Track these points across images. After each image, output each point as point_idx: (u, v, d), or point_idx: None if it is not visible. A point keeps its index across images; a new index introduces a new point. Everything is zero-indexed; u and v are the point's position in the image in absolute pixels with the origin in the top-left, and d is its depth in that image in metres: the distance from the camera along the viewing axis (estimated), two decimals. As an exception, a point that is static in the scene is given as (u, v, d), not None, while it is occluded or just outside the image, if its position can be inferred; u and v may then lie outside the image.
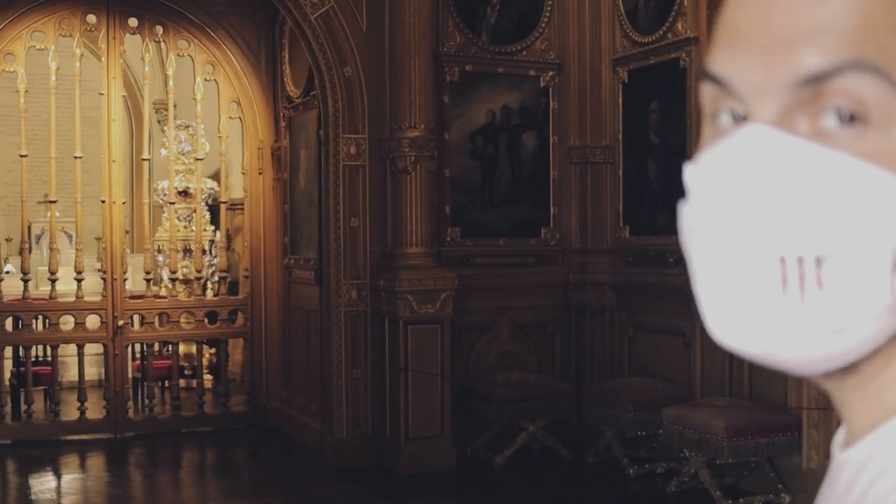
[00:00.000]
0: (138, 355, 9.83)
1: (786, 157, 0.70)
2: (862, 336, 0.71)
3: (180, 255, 10.72)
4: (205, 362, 10.23)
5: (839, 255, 0.69)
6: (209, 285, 10.21)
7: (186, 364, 10.45)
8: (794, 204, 0.69)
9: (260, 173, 9.40)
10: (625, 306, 8.04)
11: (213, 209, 10.74)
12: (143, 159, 9.35)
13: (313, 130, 8.37)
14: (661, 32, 7.58)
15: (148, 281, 9.28)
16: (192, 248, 10.90)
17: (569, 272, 8.22)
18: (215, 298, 9.44)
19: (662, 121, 7.67)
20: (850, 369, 0.75)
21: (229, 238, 11.12)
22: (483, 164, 8.01)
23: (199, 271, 9.47)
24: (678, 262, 7.42)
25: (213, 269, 10.68)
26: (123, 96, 9.06)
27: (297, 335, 8.88)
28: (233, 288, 10.30)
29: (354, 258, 7.67)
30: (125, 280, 8.97)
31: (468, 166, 7.96)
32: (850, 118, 0.68)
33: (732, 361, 6.95)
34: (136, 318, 9.06)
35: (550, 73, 8.20)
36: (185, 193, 10.85)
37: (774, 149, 0.70)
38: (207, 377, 10.00)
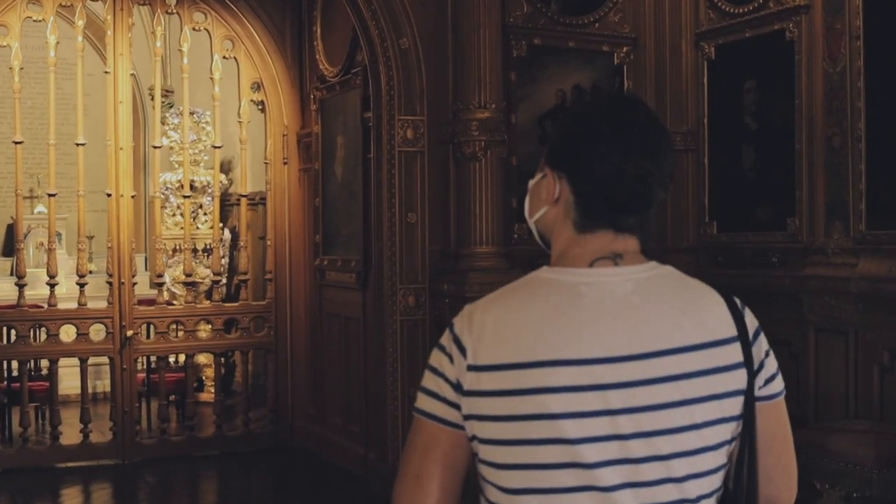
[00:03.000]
0: (142, 366, 8.73)
1: None
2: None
3: (180, 255, 9.67)
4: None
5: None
6: (216, 290, 9.11)
7: (206, 378, 9.41)
8: None
9: (285, 163, 8.36)
10: (713, 313, 7.06)
11: (222, 204, 9.67)
12: (155, 147, 8.23)
13: (354, 113, 7.35)
14: (760, 2, 6.62)
15: (159, 285, 8.20)
16: (198, 247, 9.87)
17: (646, 273, 7.23)
18: (235, 304, 8.38)
19: (761, 102, 6.71)
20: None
21: (236, 235, 10.09)
22: (552, 152, 7.00)
23: (217, 274, 8.39)
24: (784, 262, 6.47)
25: (223, 270, 9.61)
26: (133, 75, 7.96)
27: (332, 346, 7.85)
28: (235, 293, 9.31)
29: (411, 259, 6.66)
30: (134, 284, 7.89)
31: (537, 154, 6.89)
32: None
33: (857, 375, 6.01)
34: (145, 327, 8.01)
35: (625, 49, 7.22)
36: (189, 187, 9.73)
37: None
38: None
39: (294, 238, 8.36)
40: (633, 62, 7.23)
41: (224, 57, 8.15)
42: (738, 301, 1.73)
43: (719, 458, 1.67)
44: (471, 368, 1.64)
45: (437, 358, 1.71)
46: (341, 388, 7.70)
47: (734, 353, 1.67)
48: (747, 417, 1.68)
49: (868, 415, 5.97)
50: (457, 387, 1.66)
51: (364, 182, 7.19)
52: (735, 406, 1.67)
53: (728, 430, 1.67)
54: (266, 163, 8.43)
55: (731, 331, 1.68)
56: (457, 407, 1.66)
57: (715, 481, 1.67)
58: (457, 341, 1.67)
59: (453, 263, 6.54)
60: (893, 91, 5.82)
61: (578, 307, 1.64)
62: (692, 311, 1.67)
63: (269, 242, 8.42)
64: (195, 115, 9.90)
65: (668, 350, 1.62)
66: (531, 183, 1.82)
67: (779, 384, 1.77)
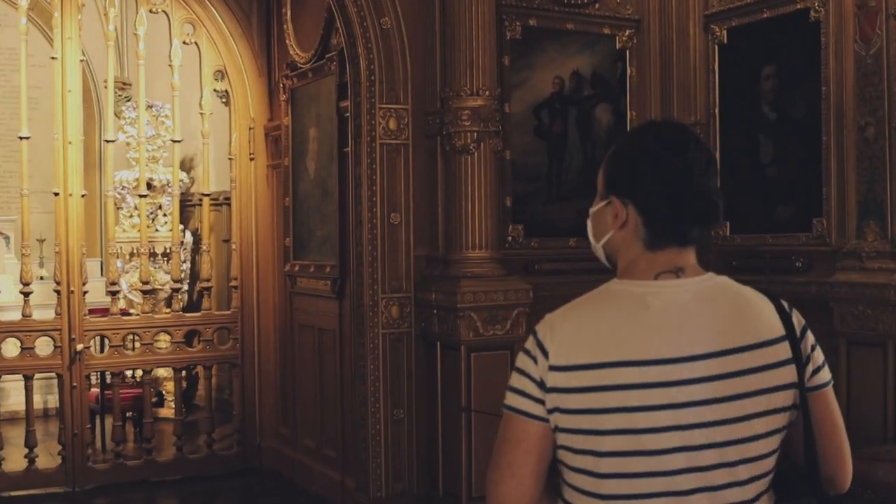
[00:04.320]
0: (96, 380, 7.96)
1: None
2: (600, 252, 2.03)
3: (137, 260, 8.92)
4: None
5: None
6: (176, 298, 8.33)
7: (165, 392, 8.67)
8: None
9: (251, 159, 7.63)
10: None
11: (183, 205, 8.92)
12: (108, 140, 7.44)
13: (329, 103, 6.63)
14: (780, -22, 5.98)
15: (114, 293, 7.43)
16: (157, 251, 9.12)
17: (651, 279, 6.56)
18: (197, 314, 7.63)
19: (782, 90, 6.06)
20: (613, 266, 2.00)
21: (197, 239, 9.36)
22: (549, 145, 6.33)
23: (177, 281, 7.63)
24: (809, 267, 5.82)
25: (183, 276, 8.86)
26: (84, 61, 7.19)
27: (305, 360, 7.13)
28: (197, 302, 8.58)
29: (395, 265, 5.95)
30: (84, 293, 7.12)
31: (532, 147, 6.27)
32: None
33: (895, 392, 5.37)
34: (97, 339, 7.26)
35: (628, 32, 6.55)
36: (147, 186, 8.98)
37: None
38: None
39: (262, 241, 7.63)
40: (637, 46, 6.56)
41: (184, 42, 7.42)
42: (785, 303, 1.97)
43: (770, 444, 1.87)
44: (552, 369, 1.86)
45: (522, 360, 1.93)
46: (315, 407, 6.98)
47: (783, 351, 1.88)
48: (802, 407, 1.90)
49: (909, 438, 5.33)
50: (541, 384, 1.88)
51: (340, 179, 6.47)
52: (785, 398, 1.87)
53: (778, 420, 1.88)
54: (231, 159, 7.70)
55: (780, 331, 1.90)
56: (541, 402, 1.88)
57: (765, 465, 1.88)
58: (540, 346, 1.90)
59: (442, 270, 5.84)
60: (939, 75, 5.20)
61: (645, 315, 1.87)
62: (743, 315, 1.89)
63: (234, 246, 7.68)
64: (153, 109, 9.14)
65: (722, 351, 1.84)
66: (593, 210, 2.05)
67: (826, 374, 1.98)
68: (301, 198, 7.12)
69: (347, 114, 6.21)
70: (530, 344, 1.92)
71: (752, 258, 6.18)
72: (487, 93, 5.74)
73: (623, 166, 1.98)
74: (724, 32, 6.41)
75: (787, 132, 6.02)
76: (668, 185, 1.91)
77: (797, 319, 1.95)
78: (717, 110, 6.47)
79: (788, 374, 1.88)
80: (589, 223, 2.07)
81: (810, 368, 1.93)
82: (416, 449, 5.97)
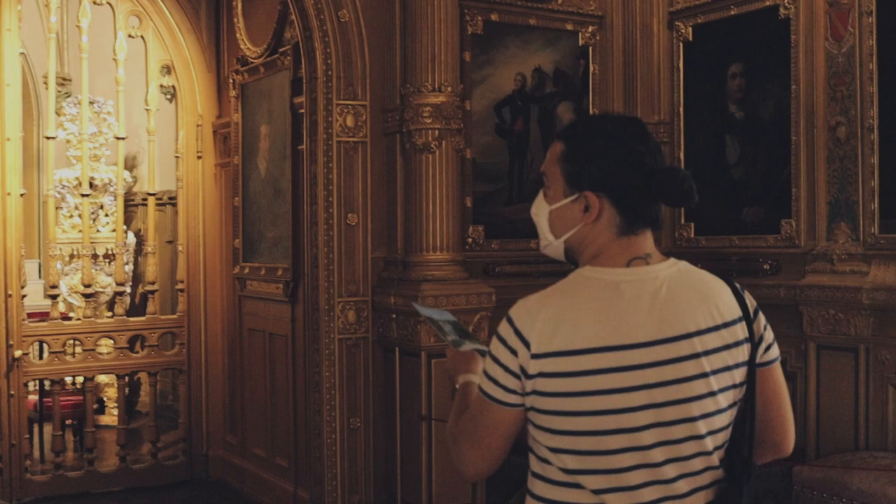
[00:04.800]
0: (34, 386, 7.61)
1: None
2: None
3: (78, 262, 8.60)
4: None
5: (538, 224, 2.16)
6: (119, 302, 7.99)
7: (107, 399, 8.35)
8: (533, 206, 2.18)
9: (199, 157, 7.35)
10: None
11: (126, 205, 8.60)
12: (48, 137, 7.11)
13: (282, 99, 6.38)
14: (747, -26, 5.85)
15: (54, 297, 7.10)
16: (99, 253, 8.79)
17: (614, 283, 6.39)
18: (142, 319, 7.31)
19: (749, 89, 5.91)
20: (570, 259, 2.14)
21: (140, 240, 9.06)
22: (511, 144, 6.13)
23: (120, 284, 7.32)
24: (778, 270, 5.68)
25: (126, 279, 8.54)
26: (23, 53, 6.86)
27: (254, 367, 6.86)
28: (141, 305, 8.29)
29: (352, 267, 5.71)
30: (22, 297, 6.79)
31: (493, 146, 6.07)
32: (544, 186, 2.13)
33: (869, 399, 5.24)
34: (36, 345, 6.93)
35: (591, 29, 6.37)
36: (89, 185, 8.65)
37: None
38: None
39: (209, 243, 7.35)
40: (600, 43, 6.39)
41: (129, 36, 7.12)
42: (737, 285, 2.11)
43: (729, 416, 2.03)
44: (534, 356, 1.95)
45: (499, 350, 2.01)
46: (265, 415, 6.71)
47: (741, 331, 2.03)
48: (749, 382, 2.05)
49: (881, 445, 5.20)
50: (521, 372, 1.98)
51: (294, 178, 6.22)
52: (741, 374, 2.03)
53: (736, 394, 2.03)
54: (177, 157, 7.42)
55: (738, 312, 2.04)
56: (516, 392, 1.99)
57: (724, 436, 2.04)
58: (519, 336, 1.98)
59: (401, 272, 5.61)
60: (913, 74, 5.08)
61: (621, 302, 1.98)
62: (707, 299, 2.02)
63: (180, 248, 7.39)
64: (96, 105, 8.79)
65: (690, 333, 1.97)
66: (554, 207, 2.11)
67: (776, 351, 2.13)
68: (251, 198, 6.86)
69: (302, 110, 5.96)
70: (507, 333, 2.00)
71: (717, 260, 6.02)
72: (450, 89, 5.53)
73: (591, 160, 2.04)
74: (690, 29, 6.26)
75: (755, 132, 5.89)
76: (641, 170, 2.02)
77: (749, 301, 2.10)
78: (681, 109, 6.33)
79: (745, 352, 2.04)
80: (544, 220, 2.14)
81: (763, 347, 2.08)
82: (374, 459, 5.74)
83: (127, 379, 7.55)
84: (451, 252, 5.56)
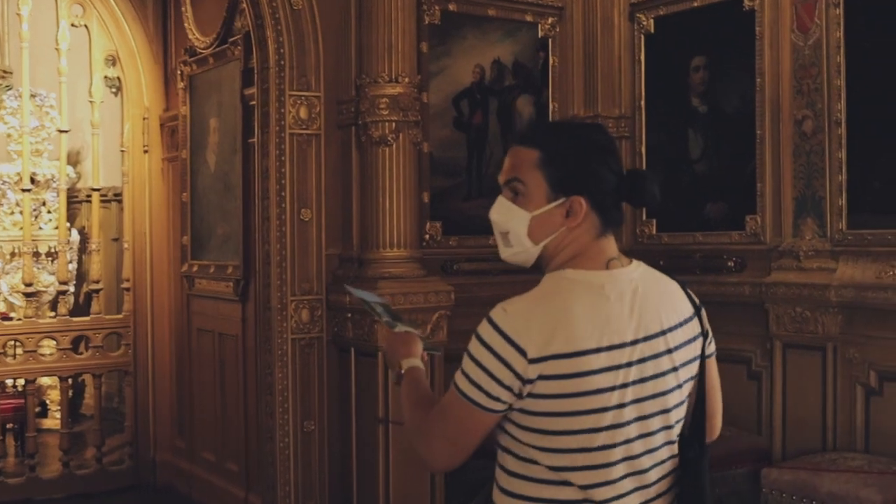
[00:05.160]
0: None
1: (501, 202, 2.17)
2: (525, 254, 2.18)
3: (19, 260, 8.32)
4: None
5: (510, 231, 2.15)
6: (62, 301, 7.70)
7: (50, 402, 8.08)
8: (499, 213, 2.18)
9: (145, 151, 7.11)
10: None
11: (69, 201, 8.33)
12: (-13, 130, 6.85)
13: (232, 90, 6.16)
14: (711, -35, 5.72)
15: (-8, 297, 6.83)
16: (41, 250, 8.52)
17: (575, 280, 6.22)
18: (86, 319, 7.06)
19: (713, 82, 5.79)
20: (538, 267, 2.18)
21: (84, 237, 8.79)
22: (469, 138, 5.96)
23: (63, 283, 7.06)
24: (743, 267, 5.56)
25: (70, 278, 8.27)
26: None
27: (204, 368, 6.63)
28: (85, 305, 8.03)
29: (305, 265, 5.51)
30: (-40, 296, 6.52)
31: (451, 140, 5.89)
32: (515, 193, 2.13)
33: (837, 399, 5.13)
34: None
35: (550, 20, 6.21)
36: (31, 180, 8.37)
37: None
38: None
39: (156, 240, 7.10)
40: (560, 35, 6.23)
41: (73, 25, 6.86)
42: (682, 282, 2.27)
43: (686, 408, 2.20)
44: (532, 361, 1.98)
45: (483, 355, 2.02)
46: (215, 418, 6.49)
47: (696, 326, 2.20)
48: (701, 373, 2.23)
49: (849, 446, 5.09)
50: (518, 379, 1.99)
51: (244, 172, 6.01)
52: (696, 367, 2.20)
53: (691, 386, 2.20)
54: (122, 151, 7.19)
55: (690, 309, 2.20)
56: (500, 399, 2.01)
57: (681, 425, 2.19)
58: (511, 342, 1.99)
59: (357, 270, 5.42)
60: (882, 68, 4.96)
61: (607, 304, 2.06)
62: (671, 297, 2.18)
63: (126, 245, 7.15)
64: (38, 98, 8.51)
65: (663, 330, 2.11)
66: (536, 214, 2.13)
67: (713, 344, 2.28)
68: (200, 193, 6.63)
69: (253, 102, 5.74)
70: (495, 340, 2.00)
71: (680, 258, 5.90)
72: (407, 80, 5.34)
73: (575, 166, 2.12)
74: (651, 22, 6.12)
75: (718, 126, 5.76)
76: (616, 173, 2.14)
77: (695, 297, 2.25)
78: (643, 103, 6.19)
79: (699, 346, 2.19)
80: (521, 227, 2.15)
81: (709, 339, 2.24)
82: (329, 463, 5.54)
83: (70, 381, 7.30)
84: (409, 249, 5.38)
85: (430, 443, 2.12)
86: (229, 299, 6.22)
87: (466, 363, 2.05)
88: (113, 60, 7.06)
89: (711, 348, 2.27)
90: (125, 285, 7.14)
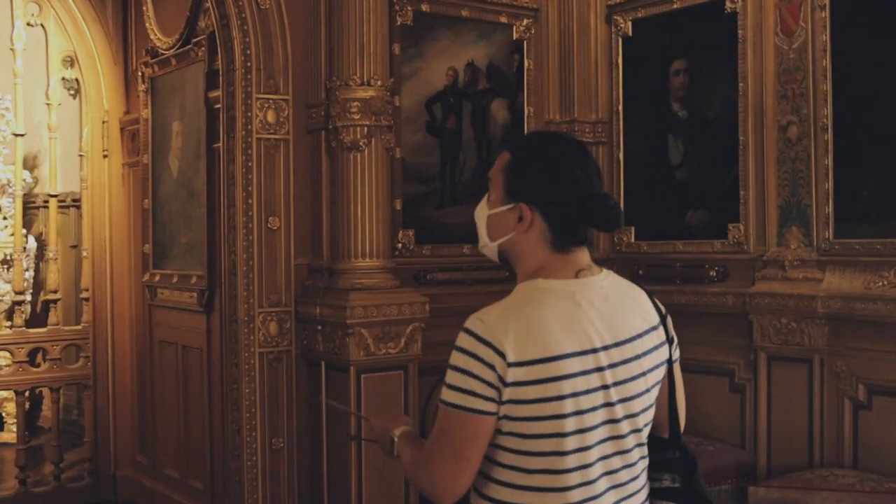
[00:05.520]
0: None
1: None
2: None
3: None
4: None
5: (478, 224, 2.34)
6: (18, 311, 7.41)
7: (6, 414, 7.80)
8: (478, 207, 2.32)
9: (105, 156, 6.87)
10: (632, 336, 5.93)
11: (25, 207, 8.07)
12: (-62, 134, 6.59)
13: (196, 93, 5.94)
14: (691, -35, 5.56)
15: (-56, 308, 6.56)
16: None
17: (550, 290, 6.03)
18: (43, 330, 6.82)
19: (693, 86, 5.63)
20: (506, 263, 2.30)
21: (41, 245, 8.52)
22: (443, 143, 5.76)
23: (19, 292, 6.80)
24: (725, 277, 5.41)
25: (26, 287, 8.01)
26: None
27: (166, 381, 6.39)
28: (42, 315, 7.77)
29: (273, 275, 5.28)
30: None
31: (424, 145, 5.70)
32: (488, 191, 2.28)
33: (824, 413, 4.98)
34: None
35: (525, 22, 6.03)
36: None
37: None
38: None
39: (117, 248, 6.86)
40: (535, 37, 6.05)
41: (29, 24, 6.63)
42: (649, 291, 2.35)
43: (653, 411, 2.27)
44: (511, 365, 2.05)
45: (469, 363, 2.08)
46: (178, 433, 6.25)
47: (662, 333, 2.28)
48: (670, 377, 2.32)
49: (837, 462, 4.94)
50: (499, 381, 2.05)
51: (209, 178, 5.78)
52: (663, 371, 2.29)
53: (657, 390, 2.28)
54: (81, 156, 6.97)
55: (657, 317, 2.28)
56: (491, 400, 2.07)
57: (649, 428, 2.26)
58: (491, 346, 2.06)
59: (328, 281, 5.21)
60: (870, 72, 4.82)
61: (579, 311, 2.14)
62: (639, 305, 2.26)
63: (84, 253, 6.91)
64: (-7, 100, 8.24)
65: (633, 337, 2.19)
66: (492, 212, 2.27)
67: (678, 349, 2.38)
68: (162, 199, 6.39)
69: (218, 105, 5.51)
70: (476, 347, 2.08)
71: (660, 267, 5.74)
72: (379, 83, 5.13)
73: (529, 176, 2.20)
74: (629, 24, 5.96)
75: (699, 131, 5.61)
76: (574, 193, 2.16)
77: (660, 305, 2.33)
78: (620, 108, 6.03)
79: (666, 351, 2.28)
80: (483, 223, 2.30)
81: (674, 345, 2.33)
82: (298, 482, 5.32)
83: (27, 394, 7.03)
84: (381, 259, 5.17)
85: (432, 470, 2.15)
86: (193, 310, 5.99)
87: (450, 375, 2.11)
88: (71, 61, 6.81)
89: (677, 354, 2.36)
90: (84, 295, 6.91)
